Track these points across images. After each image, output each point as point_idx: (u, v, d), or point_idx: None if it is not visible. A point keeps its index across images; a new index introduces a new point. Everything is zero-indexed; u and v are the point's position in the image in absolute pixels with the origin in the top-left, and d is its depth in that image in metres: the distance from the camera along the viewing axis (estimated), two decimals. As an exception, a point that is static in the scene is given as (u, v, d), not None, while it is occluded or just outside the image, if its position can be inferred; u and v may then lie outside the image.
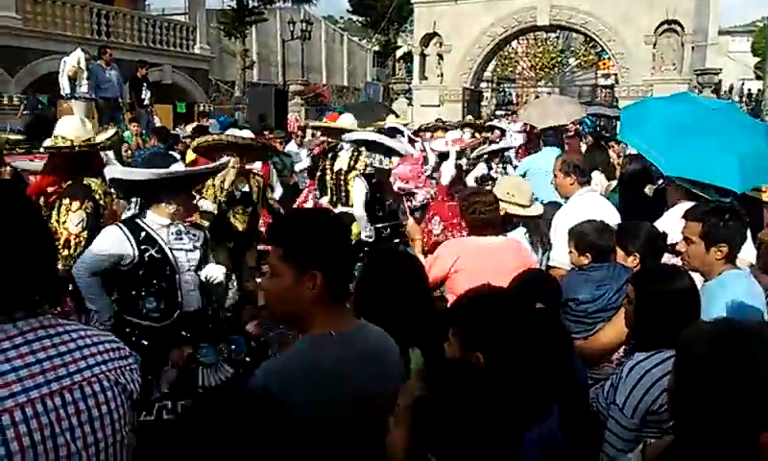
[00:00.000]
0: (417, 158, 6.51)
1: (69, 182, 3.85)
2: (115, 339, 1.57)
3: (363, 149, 6.34)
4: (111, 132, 4.28)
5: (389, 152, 5.83)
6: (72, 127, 3.97)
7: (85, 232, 3.63)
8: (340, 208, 6.38)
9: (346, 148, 6.50)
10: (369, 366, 1.83)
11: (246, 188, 5.39)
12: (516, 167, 8.16)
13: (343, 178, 6.39)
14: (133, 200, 3.98)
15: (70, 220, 3.61)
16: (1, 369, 1.29)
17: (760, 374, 1.38)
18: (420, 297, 2.54)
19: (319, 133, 9.06)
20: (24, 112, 12.15)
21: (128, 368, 1.52)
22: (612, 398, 2.25)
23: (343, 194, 6.41)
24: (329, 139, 7.76)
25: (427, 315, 2.47)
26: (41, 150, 3.97)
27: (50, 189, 3.90)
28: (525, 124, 12.49)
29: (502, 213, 3.91)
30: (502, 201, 3.99)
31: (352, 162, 6.32)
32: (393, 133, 7.81)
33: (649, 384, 2.16)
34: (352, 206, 6.19)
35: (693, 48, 18.40)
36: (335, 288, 1.83)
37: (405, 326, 2.20)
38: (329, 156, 6.81)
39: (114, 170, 3.54)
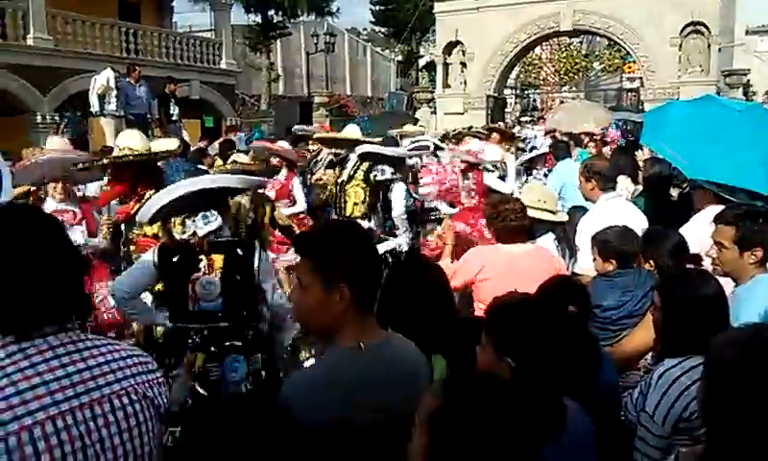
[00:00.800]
0: (445, 171, 6.49)
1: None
2: (143, 353, 1.62)
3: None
4: (175, 143, 4.57)
5: (395, 162, 5.80)
6: (137, 138, 4.29)
7: None
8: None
9: (351, 159, 6.50)
10: (397, 379, 1.83)
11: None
12: (546, 175, 8.08)
13: (343, 188, 6.32)
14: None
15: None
16: (33, 382, 1.34)
17: None
18: (443, 304, 2.55)
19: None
20: (64, 130, 12.42)
21: (155, 382, 1.56)
22: (642, 405, 2.23)
23: (342, 206, 6.32)
24: (336, 151, 7.73)
25: (450, 322, 2.48)
26: (111, 159, 4.20)
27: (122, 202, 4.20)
28: (552, 130, 12.47)
29: (531, 220, 3.88)
30: (532, 207, 3.97)
31: (353, 172, 6.27)
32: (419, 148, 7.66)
33: (679, 392, 2.14)
34: (349, 216, 6.12)
35: (720, 49, 18.13)
36: (363, 301, 1.84)
37: (428, 333, 2.21)
38: (337, 168, 6.83)
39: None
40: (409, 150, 6.75)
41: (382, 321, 1.98)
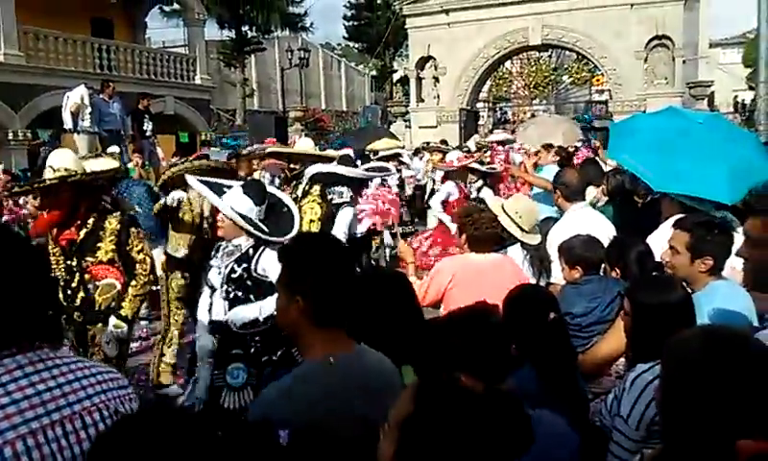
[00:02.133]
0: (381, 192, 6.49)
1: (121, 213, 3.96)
2: (113, 370, 1.61)
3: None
4: (114, 163, 4.22)
5: (352, 182, 5.51)
6: (71, 159, 3.88)
7: None
8: None
9: (306, 174, 6.13)
10: (369, 391, 1.85)
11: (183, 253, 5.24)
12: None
13: (298, 204, 5.89)
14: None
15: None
16: (2, 402, 1.33)
17: (740, 380, 1.40)
18: (411, 315, 2.57)
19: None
20: (44, 149, 12.25)
21: (127, 397, 1.55)
22: (617, 410, 2.25)
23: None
24: (292, 166, 7.23)
25: (418, 333, 2.47)
26: (46, 182, 3.73)
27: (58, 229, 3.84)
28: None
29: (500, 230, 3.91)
30: (508, 216, 3.98)
31: (307, 188, 6.02)
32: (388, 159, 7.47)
33: (652, 395, 2.12)
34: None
35: (684, 61, 18.66)
36: (322, 315, 1.87)
37: (397, 344, 2.22)
38: (293, 184, 6.40)
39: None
40: (366, 169, 6.39)
41: (351, 334, 2.00)
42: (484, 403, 1.39)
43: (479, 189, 7.81)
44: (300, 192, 6.01)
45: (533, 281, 3.89)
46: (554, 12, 18.71)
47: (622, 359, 3.03)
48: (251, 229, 3.48)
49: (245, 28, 28.03)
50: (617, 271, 3.39)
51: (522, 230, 4.02)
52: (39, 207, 4.04)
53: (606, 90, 23.14)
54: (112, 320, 3.77)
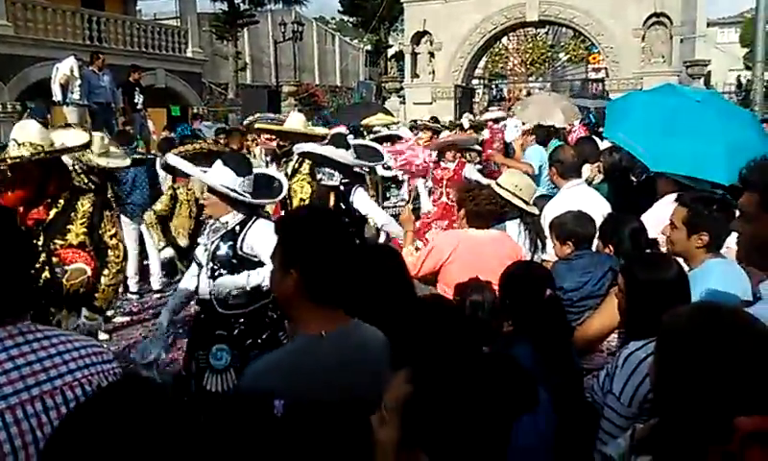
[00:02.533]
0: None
1: (95, 194, 3.71)
2: (97, 344, 1.58)
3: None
4: (84, 136, 3.79)
5: (337, 166, 5.23)
6: (36, 132, 3.44)
7: None
8: None
9: (295, 152, 5.92)
10: (362, 365, 1.85)
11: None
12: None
13: (288, 183, 5.98)
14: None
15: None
16: None
17: (734, 356, 1.40)
18: (403, 290, 2.57)
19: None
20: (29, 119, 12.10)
21: (111, 372, 1.53)
22: (609, 387, 2.25)
23: (288, 202, 5.85)
24: (281, 143, 6.98)
25: (411, 306, 2.47)
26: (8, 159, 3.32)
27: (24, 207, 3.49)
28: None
29: (503, 204, 3.96)
30: (507, 190, 4.04)
31: (297, 166, 5.89)
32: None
33: (645, 373, 2.12)
34: None
35: (682, 40, 18.53)
36: (316, 289, 1.84)
37: (389, 319, 2.20)
38: (283, 161, 6.23)
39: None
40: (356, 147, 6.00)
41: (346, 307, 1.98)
42: (482, 367, 1.42)
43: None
44: (289, 170, 5.89)
45: (529, 257, 3.93)
46: (551, -13, 18.54)
47: (614, 335, 3.05)
48: (236, 196, 3.38)
49: (237, 0, 27.67)
50: (611, 247, 3.39)
51: (524, 201, 4.08)
52: (4, 185, 3.51)
53: (602, 69, 23.02)
54: (85, 312, 3.58)
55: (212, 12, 28.40)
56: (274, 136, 7.08)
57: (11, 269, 1.39)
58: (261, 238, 3.31)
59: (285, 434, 1.48)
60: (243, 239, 3.41)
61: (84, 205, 3.61)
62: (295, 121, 6.72)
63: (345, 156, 5.23)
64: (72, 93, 11.52)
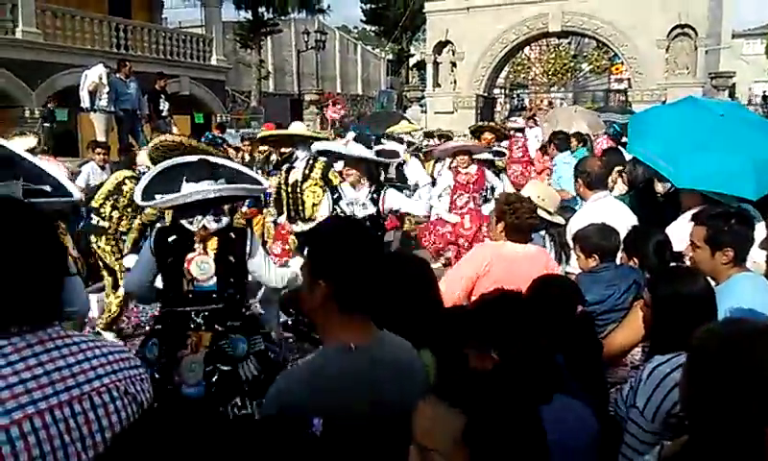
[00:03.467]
0: None
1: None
2: (124, 349, 1.59)
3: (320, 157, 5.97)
4: (32, 141, 3.77)
5: (357, 163, 5.27)
6: None
7: None
8: (300, 226, 5.90)
9: (300, 158, 6.05)
10: (390, 378, 1.84)
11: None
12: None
13: (299, 189, 5.90)
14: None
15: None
16: (10, 381, 1.31)
17: (766, 372, 1.41)
18: (429, 298, 2.57)
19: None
20: (44, 125, 12.31)
21: (138, 377, 1.53)
22: (633, 401, 2.24)
23: (300, 208, 5.91)
24: (282, 150, 7.05)
25: (436, 316, 2.50)
26: None
27: None
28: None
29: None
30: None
31: (307, 171, 5.88)
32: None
33: (669, 388, 2.13)
34: (311, 219, 5.72)
35: (707, 52, 18.35)
36: (345, 299, 1.83)
37: (415, 327, 2.22)
38: (284, 168, 6.24)
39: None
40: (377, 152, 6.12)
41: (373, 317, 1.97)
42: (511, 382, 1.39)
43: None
44: (300, 176, 5.91)
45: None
46: (575, -2, 18.47)
47: (637, 349, 3.04)
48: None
49: (261, 9, 27.89)
50: (635, 260, 3.38)
51: (549, 211, 4.06)
52: None
53: (625, 79, 22.88)
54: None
55: (236, 21, 28.71)
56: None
57: (44, 275, 1.41)
58: None
59: (324, 453, 1.47)
60: None
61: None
62: (296, 127, 6.77)
63: (362, 151, 5.28)
64: (100, 100, 11.71)
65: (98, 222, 6.21)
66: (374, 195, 5.22)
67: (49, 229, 1.49)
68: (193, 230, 3.35)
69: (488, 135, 9.11)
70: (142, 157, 6.53)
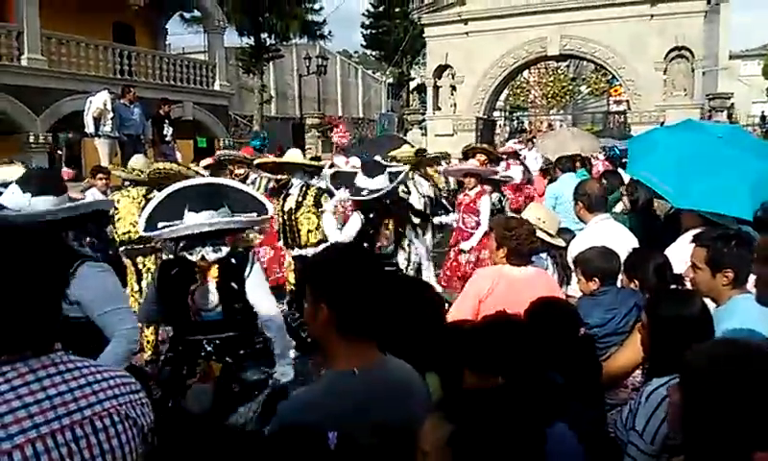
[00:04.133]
0: None
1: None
2: (126, 374, 1.61)
3: (314, 182, 6.05)
4: (19, 170, 3.71)
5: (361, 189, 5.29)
6: None
7: None
8: (296, 251, 6.00)
9: (295, 185, 6.11)
10: (393, 402, 1.85)
11: None
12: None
13: (293, 216, 5.98)
14: None
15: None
16: (13, 406, 1.32)
17: (756, 392, 1.43)
18: (435, 322, 2.59)
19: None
20: (58, 151, 12.33)
21: (139, 402, 1.55)
22: (632, 424, 2.24)
23: (295, 234, 5.99)
24: (279, 177, 7.03)
25: (442, 340, 2.51)
26: None
27: None
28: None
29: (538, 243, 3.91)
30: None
31: (300, 198, 5.96)
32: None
33: (667, 410, 2.11)
34: (304, 246, 5.86)
35: (704, 73, 18.54)
36: (347, 323, 1.84)
37: (421, 351, 2.24)
38: (281, 195, 6.29)
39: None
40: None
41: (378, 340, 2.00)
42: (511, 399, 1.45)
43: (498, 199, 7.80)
44: (293, 203, 5.97)
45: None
46: (573, 22, 18.68)
47: (638, 371, 3.05)
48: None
49: (264, 35, 28.17)
50: (636, 282, 3.40)
51: (549, 234, 4.09)
52: None
53: (624, 101, 23.06)
54: None
55: (239, 47, 28.96)
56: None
57: (47, 300, 1.43)
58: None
59: None
60: None
61: None
62: (293, 154, 6.75)
63: (373, 183, 5.26)
64: (104, 126, 11.76)
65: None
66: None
67: (50, 254, 1.50)
68: (194, 261, 3.33)
69: (480, 157, 8.95)
70: (137, 162, 6.53)
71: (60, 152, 12.75)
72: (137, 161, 6.51)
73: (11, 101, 15.72)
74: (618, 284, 3.51)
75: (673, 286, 3.22)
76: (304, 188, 6.05)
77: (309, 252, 5.84)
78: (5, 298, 1.35)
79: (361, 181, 5.34)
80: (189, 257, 3.35)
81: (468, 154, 9.31)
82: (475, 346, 2.21)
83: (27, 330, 1.38)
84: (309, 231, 5.93)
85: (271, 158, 7.57)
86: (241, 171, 8.04)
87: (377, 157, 7.18)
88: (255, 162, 7.59)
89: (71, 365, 1.45)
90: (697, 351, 1.62)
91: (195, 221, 3.31)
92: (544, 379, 2.12)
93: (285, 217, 6.04)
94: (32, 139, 16.09)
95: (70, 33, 17.41)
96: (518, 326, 2.27)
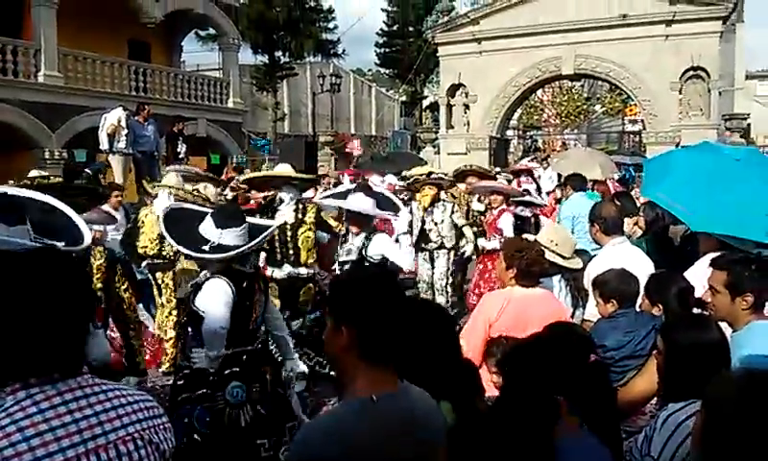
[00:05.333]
0: None
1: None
2: (149, 398, 1.62)
3: (310, 199, 6.08)
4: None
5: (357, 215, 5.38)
6: None
7: None
8: (287, 269, 5.90)
9: (286, 201, 6.02)
10: (410, 431, 1.82)
11: None
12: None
13: (290, 233, 5.88)
14: None
15: None
16: (40, 429, 1.35)
17: None
18: (449, 349, 2.54)
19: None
20: (85, 173, 12.41)
21: (161, 427, 1.57)
22: (647, 449, 2.22)
23: (290, 251, 5.89)
24: (266, 193, 6.96)
25: (456, 367, 2.48)
26: None
27: None
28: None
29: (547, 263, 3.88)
30: (544, 247, 3.97)
31: (300, 216, 5.91)
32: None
33: (683, 436, 2.11)
34: (304, 264, 5.85)
35: (720, 93, 18.41)
36: (369, 348, 1.82)
37: (435, 379, 2.19)
38: (268, 211, 6.17)
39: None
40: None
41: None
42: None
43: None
44: (292, 218, 5.90)
45: (570, 314, 3.88)
46: (587, 41, 18.64)
47: (656, 399, 2.96)
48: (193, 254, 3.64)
49: (278, 53, 28.39)
50: (660, 306, 3.35)
51: (563, 256, 4.04)
52: None
53: (639, 121, 22.95)
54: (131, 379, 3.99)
55: (253, 64, 29.21)
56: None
57: (74, 324, 1.45)
58: (204, 296, 3.50)
59: None
60: (197, 294, 3.57)
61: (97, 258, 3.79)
62: (285, 168, 6.79)
63: (364, 204, 5.34)
64: (118, 143, 11.87)
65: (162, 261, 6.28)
66: (365, 241, 5.29)
67: (81, 277, 1.55)
68: (249, 272, 3.63)
69: (471, 180, 8.79)
70: (170, 179, 6.68)
71: (87, 170, 12.70)
72: (169, 179, 6.64)
73: (27, 117, 15.93)
74: (637, 308, 3.45)
75: (698, 311, 3.16)
76: (302, 205, 6.01)
77: (302, 271, 5.86)
78: (36, 322, 1.37)
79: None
80: (244, 269, 3.61)
81: (458, 177, 9.07)
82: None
83: (56, 354, 1.41)
84: (308, 251, 5.90)
85: (261, 173, 7.65)
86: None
87: (390, 175, 7.19)
88: (241, 178, 7.59)
89: (97, 388, 1.48)
90: (721, 380, 1.61)
91: (243, 233, 3.59)
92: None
93: (278, 232, 5.82)
94: (47, 155, 16.27)
95: (86, 50, 17.62)
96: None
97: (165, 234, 3.76)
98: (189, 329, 3.61)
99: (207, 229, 3.59)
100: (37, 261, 1.46)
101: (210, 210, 3.92)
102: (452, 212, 7.60)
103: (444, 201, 7.71)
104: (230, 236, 3.55)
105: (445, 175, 8.75)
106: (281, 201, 6.09)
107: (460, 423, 2.16)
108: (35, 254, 1.61)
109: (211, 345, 3.43)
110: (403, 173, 11.27)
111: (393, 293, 1.91)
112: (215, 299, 3.45)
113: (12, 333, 1.37)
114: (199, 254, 3.58)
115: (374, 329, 1.82)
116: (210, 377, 3.47)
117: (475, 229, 7.88)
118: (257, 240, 3.71)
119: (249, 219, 3.81)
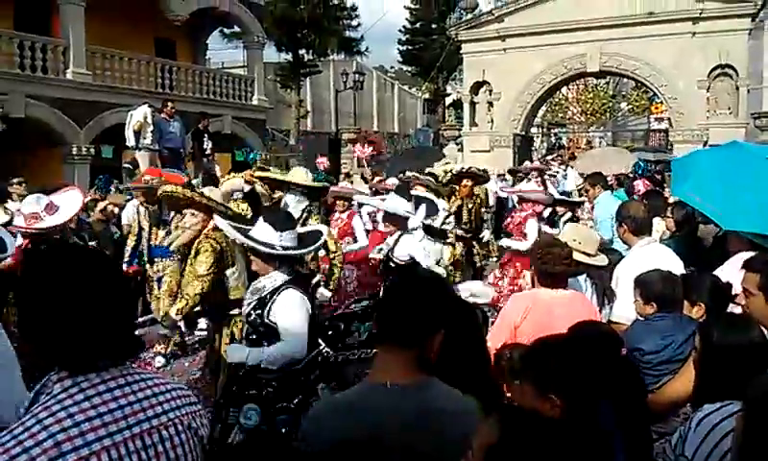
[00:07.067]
0: None
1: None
2: (184, 387, 1.71)
3: (314, 207, 6.08)
4: None
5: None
6: None
7: None
8: None
9: (291, 206, 6.00)
10: (429, 424, 1.79)
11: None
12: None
13: None
14: None
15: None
16: (89, 414, 1.42)
17: None
18: (475, 345, 2.54)
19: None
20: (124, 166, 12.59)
21: (198, 413, 1.65)
22: (681, 450, 2.19)
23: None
24: (273, 195, 6.79)
25: (482, 363, 2.48)
26: None
27: None
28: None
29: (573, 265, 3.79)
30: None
31: (305, 216, 5.95)
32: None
33: (719, 437, 2.09)
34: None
35: (748, 91, 18.10)
36: (389, 335, 1.85)
37: (460, 374, 2.17)
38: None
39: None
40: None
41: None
42: (566, 430, 1.43)
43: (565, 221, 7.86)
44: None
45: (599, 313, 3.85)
46: (613, 38, 18.45)
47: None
48: (270, 251, 3.53)
49: (302, 51, 28.51)
50: (701, 305, 3.29)
51: (587, 254, 3.99)
52: None
53: (665, 118, 22.65)
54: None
55: (277, 62, 29.36)
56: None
57: (119, 317, 1.52)
58: (282, 310, 3.43)
59: None
60: (269, 309, 3.46)
61: None
62: (300, 173, 6.69)
63: (402, 206, 5.49)
64: (144, 139, 11.98)
65: None
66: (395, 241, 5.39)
67: (117, 271, 1.65)
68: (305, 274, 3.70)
69: (467, 182, 8.46)
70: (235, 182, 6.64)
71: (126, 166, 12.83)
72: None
73: (55, 113, 16.15)
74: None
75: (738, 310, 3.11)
76: (307, 211, 6.05)
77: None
78: (79, 313, 1.44)
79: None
80: (302, 271, 3.72)
81: (452, 180, 8.88)
82: (538, 364, 2.15)
83: (99, 344, 1.47)
84: (312, 259, 5.86)
85: (273, 174, 7.34)
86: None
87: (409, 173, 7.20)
88: (256, 174, 7.19)
89: (137, 377, 1.55)
90: (763, 381, 1.60)
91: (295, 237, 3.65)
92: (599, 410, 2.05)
93: None
94: (75, 151, 16.49)
95: (113, 47, 17.84)
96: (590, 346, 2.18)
97: (241, 239, 3.70)
98: (264, 343, 3.48)
99: (266, 232, 3.55)
100: (75, 256, 1.54)
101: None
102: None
103: (476, 195, 8.18)
104: (289, 239, 3.57)
105: (484, 171, 8.95)
106: (286, 205, 6.11)
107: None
108: (73, 250, 1.69)
109: (292, 358, 3.43)
110: (427, 170, 11.26)
111: (415, 281, 1.99)
112: (295, 314, 3.44)
113: (65, 323, 1.43)
114: (296, 251, 3.65)
115: (395, 319, 1.87)
116: (299, 384, 3.46)
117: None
118: (320, 242, 3.81)
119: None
